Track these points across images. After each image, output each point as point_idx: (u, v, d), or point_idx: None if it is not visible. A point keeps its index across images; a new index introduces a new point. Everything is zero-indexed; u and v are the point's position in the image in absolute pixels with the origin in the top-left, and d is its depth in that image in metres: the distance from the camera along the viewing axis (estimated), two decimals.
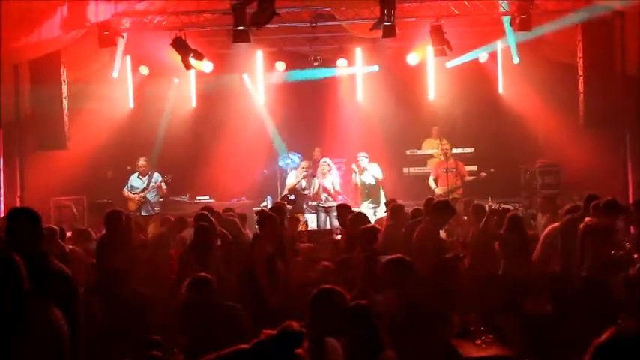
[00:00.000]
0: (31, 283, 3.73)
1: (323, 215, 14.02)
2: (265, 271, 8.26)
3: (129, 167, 14.65)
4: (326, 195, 14.04)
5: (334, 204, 13.79)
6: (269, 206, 13.80)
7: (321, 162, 14.34)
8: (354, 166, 14.43)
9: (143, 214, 13.74)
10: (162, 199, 14.51)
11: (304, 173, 14.50)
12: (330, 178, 14.09)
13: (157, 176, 14.13)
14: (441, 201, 9.73)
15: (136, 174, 14.22)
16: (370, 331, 4.89)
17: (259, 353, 2.99)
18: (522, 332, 7.33)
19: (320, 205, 14.09)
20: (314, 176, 14.39)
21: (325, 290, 5.01)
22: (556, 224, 9.73)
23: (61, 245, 8.97)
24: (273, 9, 11.05)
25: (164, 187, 14.13)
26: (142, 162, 14.20)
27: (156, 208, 14.09)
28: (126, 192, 14.15)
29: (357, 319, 4.89)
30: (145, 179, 14.09)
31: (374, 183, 14.18)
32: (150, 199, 14.03)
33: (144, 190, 14.00)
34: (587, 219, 8.49)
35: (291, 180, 14.77)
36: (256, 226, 9.36)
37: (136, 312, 7.36)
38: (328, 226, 13.70)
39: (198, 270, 7.20)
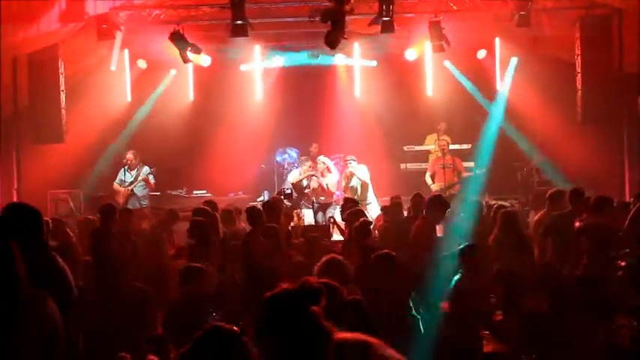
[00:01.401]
0: (28, 277, 3.71)
1: (319, 211, 14.11)
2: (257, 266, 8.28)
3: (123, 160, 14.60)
4: (323, 192, 14.13)
5: (331, 200, 13.97)
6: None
7: (318, 160, 14.38)
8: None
9: (129, 207, 13.54)
10: (151, 193, 14.55)
11: (310, 173, 14.49)
12: (328, 177, 14.16)
13: (145, 170, 14.12)
14: (436, 196, 9.72)
15: (125, 167, 14.23)
16: (363, 326, 4.88)
17: (275, 304, 2.91)
18: (519, 329, 7.34)
19: (316, 201, 14.19)
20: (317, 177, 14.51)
21: (326, 283, 5.00)
22: (542, 212, 9.79)
23: (67, 235, 8.97)
24: (344, 31, 11.38)
25: (151, 180, 14.11)
26: (129, 155, 14.20)
27: (143, 202, 14.10)
28: (116, 185, 14.18)
29: (350, 314, 4.88)
30: (134, 172, 14.10)
31: (360, 186, 14.30)
32: (137, 192, 14.04)
33: (131, 183, 14.02)
34: (583, 217, 8.54)
35: (295, 175, 14.79)
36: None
37: (133, 306, 7.34)
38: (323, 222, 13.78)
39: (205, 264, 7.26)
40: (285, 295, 2.91)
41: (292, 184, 14.72)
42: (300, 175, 14.69)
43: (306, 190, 14.54)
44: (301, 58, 16.27)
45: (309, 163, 14.82)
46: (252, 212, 9.20)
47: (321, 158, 14.41)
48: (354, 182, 14.38)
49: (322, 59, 16.27)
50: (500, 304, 7.18)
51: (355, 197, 13.95)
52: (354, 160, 14.42)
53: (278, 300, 2.90)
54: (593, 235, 8.37)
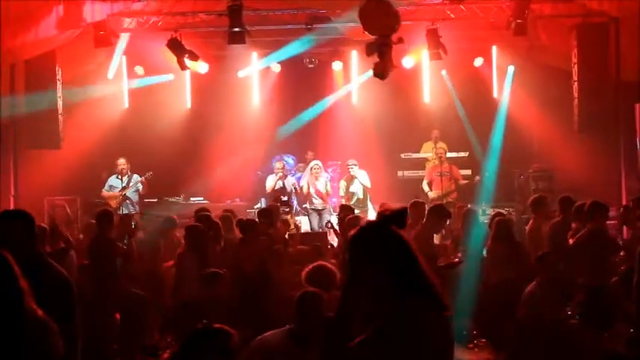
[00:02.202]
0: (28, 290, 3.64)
1: (316, 217, 14.08)
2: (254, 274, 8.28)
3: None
4: (318, 197, 14.11)
5: (326, 206, 13.95)
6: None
7: (312, 164, 14.39)
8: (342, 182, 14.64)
9: (124, 211, 13.61)
10: (147, 200, 14.65)
11: (280, 174, 14.52)
12: (322, 180, 14.15)
13: (136, 177, 14.18)
14: (438, 205, 9.73)
15: (115, 175, 14.22)
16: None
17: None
18: (516, 337, 7.33)
19: (312, 207, 14.17)
20: (286, 176, 14.48)
21: (308, 293, 5.02)
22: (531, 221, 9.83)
23: (63, 241, 8.97)
24: (393, 62, 11.44)
25: (140, 187, 14.15)
26: (121, 161, 14.20)
27: (136, 207, 14.11)
28: (104, 192, 14.16)
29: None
30: (125, 179, 14.11)
31: (362, 191, 14.29)
32: (131, 197, 14.07)
33: (124, 188, 14.01)
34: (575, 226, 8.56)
35: (269, 183, 14.75)
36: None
37: (131, 312, 7.35)
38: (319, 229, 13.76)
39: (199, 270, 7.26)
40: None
41: (268, 193, 14.70)
42: (273, 179, 14.65)
43: (289, 189, 14.50)
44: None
45: (278, 164, 14.82)
46: (242, 224, 9.22)
47: (317, 162, 14.43)
48: (354, 187, 14.37)
49: (321, 104, 16.55)
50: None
51: (354, 202, 13.97)
52: (356, 165, 14.42)
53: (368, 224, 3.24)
54: (592, 244, 8.37)
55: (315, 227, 13.96)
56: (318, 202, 14.19)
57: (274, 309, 7.55)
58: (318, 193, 14.13)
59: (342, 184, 14.69)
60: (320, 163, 14.44)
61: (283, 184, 14.55)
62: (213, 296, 6.74)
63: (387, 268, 3.02)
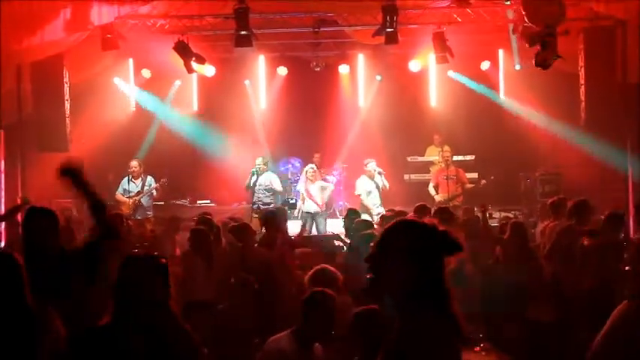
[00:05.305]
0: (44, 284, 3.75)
1: (310, 221, 13.98)
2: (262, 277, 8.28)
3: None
4: (311, 201, 14.02)
5: (319, 210, 13.84)
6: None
7: (306, 168, 14.31)
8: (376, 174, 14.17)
9: (138, 217, 13.45)
10: (161, 203, 14.54)
11: (259, 167, 14.43)
12: (317, 185, 14.05)
13: (150, 179, 13.92)
14: (442, 208, 9.72)
15: (128, 177, 13.95)
16: None
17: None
18: (524, 340, 7.30)
19: (305, 211, 14.06)
20: (263, 173, 14.36)
21: (318, 293, 4.99)
22: (547, 222, 9.79)
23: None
24: (556, 51, 11.50)
25: (154, 192, 13.97)
26: (133, 163, 13.95)
27: (149, 212, 13.89)
28: (118, 195, 13.90)
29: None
30: (139, 182, 13.86)
31: (380, 188, 14.10)
32: (144, 203, 13.85)
33: (138, 193, 13.77)
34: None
35: (247, 180, 14.64)
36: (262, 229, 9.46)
37: None
38: (313, 232, 13.72)
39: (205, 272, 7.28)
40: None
41: (246, 188, 14.67)
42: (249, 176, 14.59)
43: (266, 186, 14.39)
44: None
45: (259, 160, 14.63)
46: (236, 230, 9.24)
47: (312, 166, 14.40)
48: (379, 181, 14.05)
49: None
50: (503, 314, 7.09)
51: (368, 201, 13.83)
52: (373, 162, 14.18)
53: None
54: (603, 251, 8.33)
55: (309, 231, 13.82)
56: (311, 206, 14.07)
57: (279, 312, 7.57)
58: (310, 196, 14.02)
59: (364, 180, 14.16)
60: (315, 167, 14.36)
61: (257, 179, 14.42)
62: (238, 302, 6.77)
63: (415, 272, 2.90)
